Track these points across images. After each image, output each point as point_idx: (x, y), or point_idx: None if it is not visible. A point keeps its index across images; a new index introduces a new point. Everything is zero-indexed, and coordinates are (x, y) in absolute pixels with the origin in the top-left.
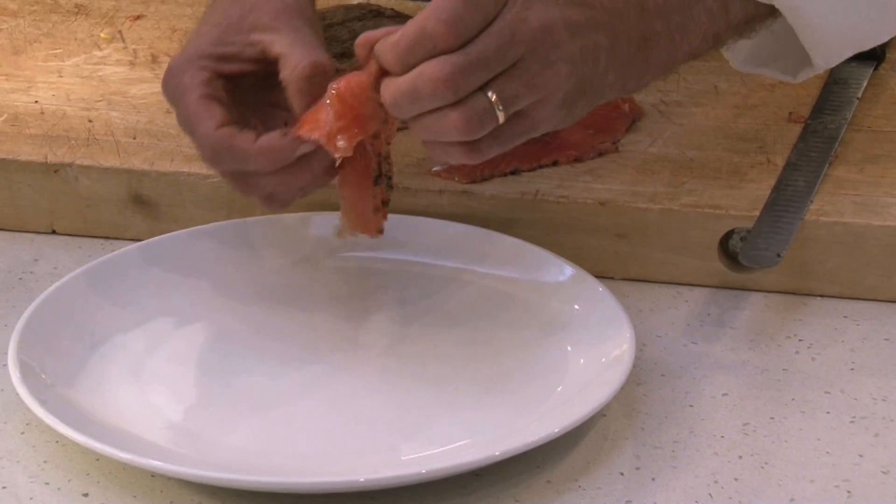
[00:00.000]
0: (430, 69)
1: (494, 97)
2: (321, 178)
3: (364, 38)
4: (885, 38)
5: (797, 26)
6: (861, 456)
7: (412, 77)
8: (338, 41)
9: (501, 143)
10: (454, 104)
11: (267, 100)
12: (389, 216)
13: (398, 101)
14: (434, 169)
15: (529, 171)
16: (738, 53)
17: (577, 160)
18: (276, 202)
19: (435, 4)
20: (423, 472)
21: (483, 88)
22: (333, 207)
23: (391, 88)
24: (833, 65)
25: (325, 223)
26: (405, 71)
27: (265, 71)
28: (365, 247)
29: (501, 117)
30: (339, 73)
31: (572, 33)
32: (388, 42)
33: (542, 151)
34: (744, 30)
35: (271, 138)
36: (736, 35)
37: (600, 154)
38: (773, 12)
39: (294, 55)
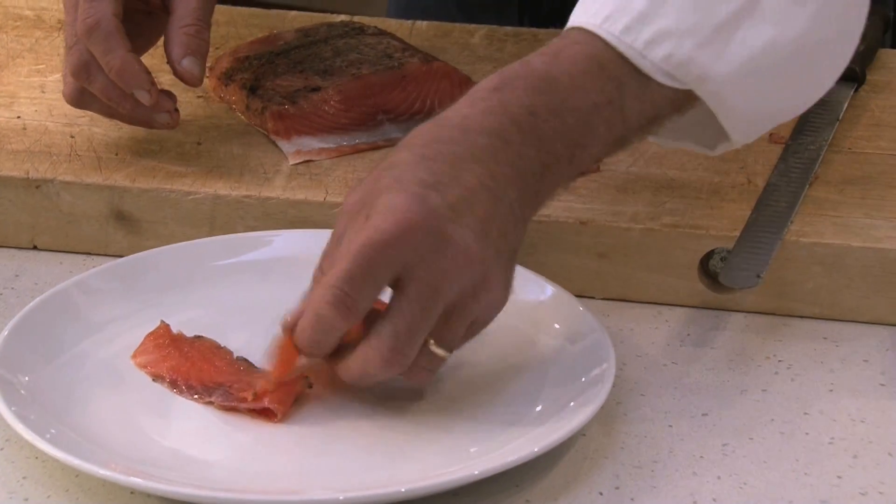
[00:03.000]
0: (365, 363)
1: (438, 349)
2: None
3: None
4: (802, 110)
5: (717, 110)
6: (840, 477)
7: (356, 372)
8: (320, 59)
9: (465, 341)
10: (415, 367)
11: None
12: None
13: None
14: None
15: None
16: (654, 135)
17: None
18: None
19: (320, 286)
20: (402, 490)
21: (425, 343)
22: (319, 225)
23: (347, 378)
24: (751, 140)
25: (307, 240)
26: (325, 353)
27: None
28: None
29: (448, 353)
30: (320, 91)
31: (433, 250)
32: (298, 332)
33: None
34: (649, 129)
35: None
36: (641, 135)
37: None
38: (679, 108)
39: (181, 9)
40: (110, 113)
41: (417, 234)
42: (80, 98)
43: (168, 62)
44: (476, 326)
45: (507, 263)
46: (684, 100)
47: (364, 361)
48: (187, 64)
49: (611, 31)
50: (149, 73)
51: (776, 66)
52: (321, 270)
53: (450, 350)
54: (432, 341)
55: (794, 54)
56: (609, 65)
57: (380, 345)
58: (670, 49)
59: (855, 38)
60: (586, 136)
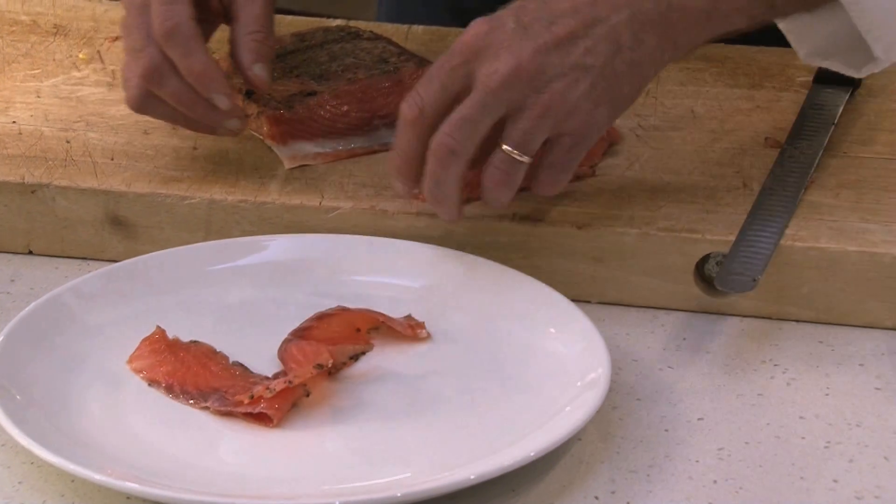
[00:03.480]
0: (431, 151)
1: (507, 146)
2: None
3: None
4: None
5: (856, 15)
6: (836, 481)
7: (427, 170)
8: (316, 63)
9: (559, 165)
10: (482, 170)
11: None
12: (366, 238)
13: (433, 197)
14: (415, 191)
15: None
16: (803, 45)
17: None
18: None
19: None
20: (399, 495)
21: (498, 141)
22: (314, 230)
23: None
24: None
25: (303, 244)
26: (410, 152)
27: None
28: (342, 269)
29: (527, 158)
30: (316, 96)
31: (558, 50)
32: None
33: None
34: (798, 2)
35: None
36: (791, 3)
37: (578, 178)
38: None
39: (245, 16)
40: (174, 118)
41: (485, 31)
42: (145, 102)
43: (237, 68)
44: (565, 140)
45: (600, 77)
46: None
47: (436, 141)
48: (258, 70)
49: None
50: (227, 77)
51: None
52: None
53: (524, 151)
54: (504, 145)
55: None
56: None
57: (437, 137)
58: None
59: None
60: None
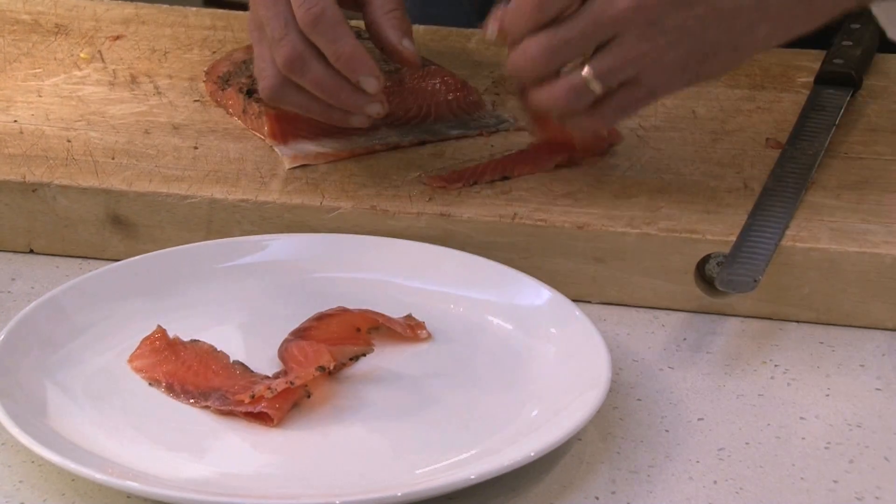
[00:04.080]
0: (526, 46)
1: (589, 71)
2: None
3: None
4: None
5: None
6: (836, 482)
7: (517, 53)
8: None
9: (622, 109)
10: (555, 78)
11: None
12: (366, 238)
13: (511, 72)
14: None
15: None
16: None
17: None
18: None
19: None
20: (398, 494)
21: (583, 63)
22: (315, 229)
23: (509, 62)
24: None
25: (304, 244)
26: (515, 40)
27: None
28: (342, 268)
29: (599, 89)
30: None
31: (680, 6)
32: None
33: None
34: None
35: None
36: None
37: (611, 144)
38: None
39: None
40: (308, 107)
41: None
42: (282, 91)
43: (381, 47)
44: (639, 89)
45: (696, 47)
46: None
47: (521, 50)
48: (407, 44)
49: None
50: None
51: None
52: None
53: (603, 81)
54: (588, 66)
55: None
56: None
57: (535, 41)
58: None
59: None
60: None
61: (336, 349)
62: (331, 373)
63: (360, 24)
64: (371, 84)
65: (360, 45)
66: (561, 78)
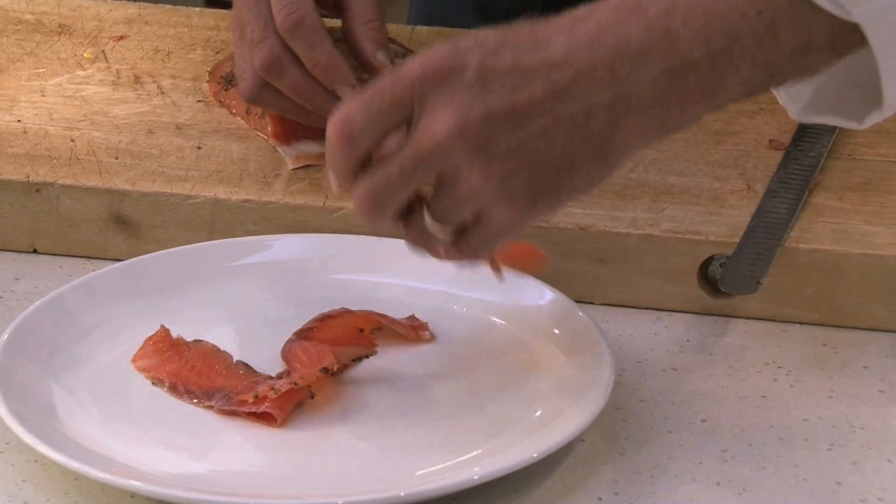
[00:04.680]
0: (354, 192)
1: (428, 215)
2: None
3: None
4: None
5: (876, 42)
6: (839, 484)
7: (353, 200)
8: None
9: (478, 248)
10: (408, 224)
11: None
12: (369, 238)
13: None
14: None
15: None
16: (797, 102)
17: None
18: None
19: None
20: (402, 495)
21: (422, 206)
22: (318, 230)
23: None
24: None
25: (307, 244)
26: (341, 172)
27: None
28: (345, 269)
29: (446, 232)
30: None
31: (511, 122)
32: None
33: None
34: (801, 64)
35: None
36: (791, 69)
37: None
38: (835, 46)
39: (358, 6)
40: (287, 109)
41: (443, 67)
42: (260, 94)
43: (356, 56)
44: (487, 227)
45: (545, 168)
46: (841, 35)
47: (357, 195)
48: (381, 57)
49: None
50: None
51: None
52: None
53: (444, 223)
54: (427, 212)
55: None
56: None
57: (360, 187)
58: None
59: None
60: (733, 49)
61: (339, 350)
62: (334, 374)
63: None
64: (346, 92)
65: (336, 54)
66: (405, 225)
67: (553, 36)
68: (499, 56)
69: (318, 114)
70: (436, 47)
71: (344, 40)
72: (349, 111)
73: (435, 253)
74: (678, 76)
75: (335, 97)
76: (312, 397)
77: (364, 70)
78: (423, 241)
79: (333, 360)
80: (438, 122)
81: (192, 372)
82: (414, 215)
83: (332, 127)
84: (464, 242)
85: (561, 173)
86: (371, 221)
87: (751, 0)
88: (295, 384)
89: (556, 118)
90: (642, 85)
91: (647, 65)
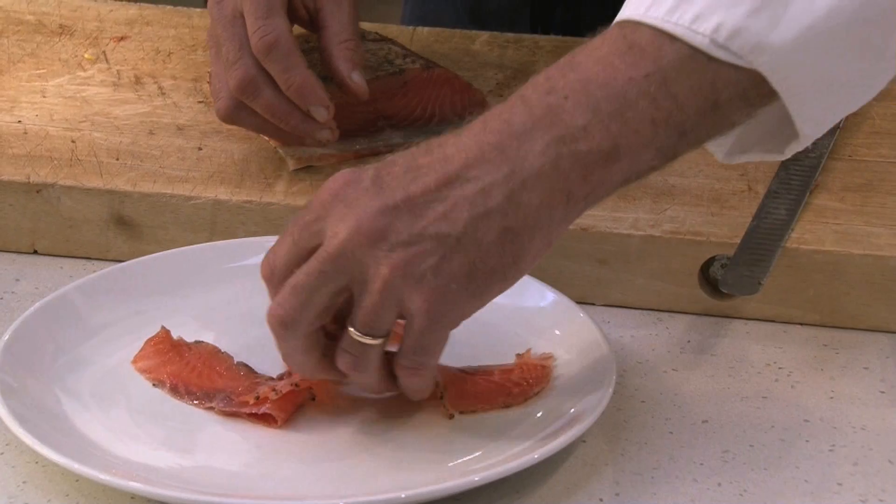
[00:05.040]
0: (267, 312)
1: (351, 329)
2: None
3: None
4: (874, 93)
5: (781, 88)
6: (840, 484)
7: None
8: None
9: (412, 355)
10: (339, 350)
11: None
12: None
13: (295, 369)
14: None
15: None
16: (721, 147)
17: None
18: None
19: None
20: (402, 496)
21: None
22: None
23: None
24: (820, 134)
25: None
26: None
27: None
28: None
29: (375, 341)
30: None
31: (408, 212)
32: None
33: None
34: (714, 118)
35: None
36: (705, 124)
37: (506, 406)
38: (747, 97)
39: (335, 24)
40: (263, 129)
41: (341, 185)
42: (236, 113)
43: (333, 76)
44: (412, 325)
45: (447, 254)
46: (751, 85)
47: (267, 311)
48: (357, 78)
49: (655, 16)
50: (325, 90)
51: (842, 34)
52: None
53: (365, 332)
54: (349, 325)
55: (861, 21)
56: (643, 42)
57: (279, 295)
58: (720, 19)
59: None
60: (625, 112)
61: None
62: None
63: (364, 25)
64: (320, 113)
65: (311, 75)
66: (338, 349)
67: (444, 141)
68: (394, 163)
69: (293, 133)
70: (334, 175)
71: (321, 58)
72: (270, 249)
73: (378, 385)
74: (568, 143)
75: (310, 118)
76: (313, 399)
77: (340, 90)
78: (354, 363)
79: None
80: (339, 226)
81: (193, 373)
82: (339, 345)
83: (261, 266)
84: (400, 356)
85: (469, 254)
86: (287, 341)
87: (636, 64)
88: (296, 385)
89: (454, 202)
90: (533, 155)
91: (533, 138)
